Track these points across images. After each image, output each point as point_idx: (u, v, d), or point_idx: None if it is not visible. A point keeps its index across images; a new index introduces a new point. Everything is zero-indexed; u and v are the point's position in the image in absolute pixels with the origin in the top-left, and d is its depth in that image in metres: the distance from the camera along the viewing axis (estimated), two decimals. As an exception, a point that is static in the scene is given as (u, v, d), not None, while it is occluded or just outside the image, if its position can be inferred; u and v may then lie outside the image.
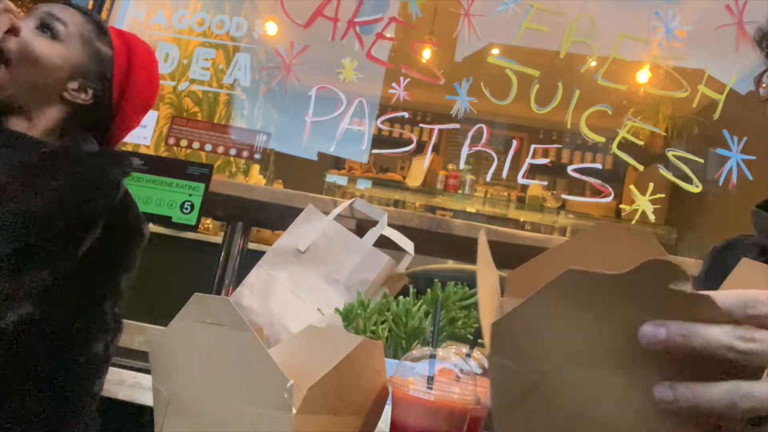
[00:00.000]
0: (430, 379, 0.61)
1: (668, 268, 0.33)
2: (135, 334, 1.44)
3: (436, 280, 0.95)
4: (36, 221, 0.84)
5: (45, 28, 0.99)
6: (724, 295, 0.35)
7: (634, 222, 1.74)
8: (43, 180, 0.88)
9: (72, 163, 0.93)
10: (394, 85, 1.97)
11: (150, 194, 1.50)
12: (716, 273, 0.93)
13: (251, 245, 1.88)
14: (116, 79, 1.07)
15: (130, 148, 1.99)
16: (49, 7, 1.01)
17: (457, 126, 1.93)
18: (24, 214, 0.83)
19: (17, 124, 0.99)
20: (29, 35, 0.97)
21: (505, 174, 1.80)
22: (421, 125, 2.68)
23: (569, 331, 0.37)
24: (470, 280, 1.03)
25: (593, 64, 1.89)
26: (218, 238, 2.43)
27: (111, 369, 1.03)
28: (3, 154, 0.94)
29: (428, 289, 0.94)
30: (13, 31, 0.94)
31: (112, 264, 0.99)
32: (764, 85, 0.79)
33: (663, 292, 0.34)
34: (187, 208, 1.42)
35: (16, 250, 0.81)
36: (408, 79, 1.96)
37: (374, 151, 2.02)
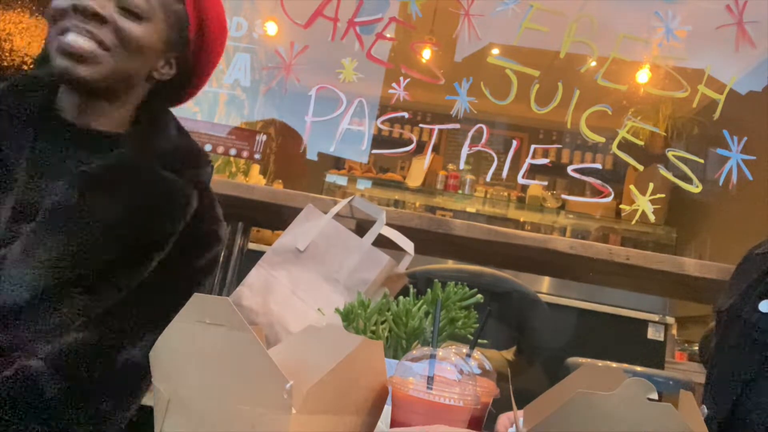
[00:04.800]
0: (430, 379, 0.60)
1: (644, 385, 0.51)
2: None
3: (436, 280, 0.94)
4: (92, 250, 0.79)
5: (125, 10, 0.84)
6: None
7: (634, 222, 1.74)
8: (103, 201, 0.82)
9: (138, 179, 0.85)
10: (394, 85, 1.97)
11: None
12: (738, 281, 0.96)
13: (251, 245, 1.88)
14: (192, 36, 0.95)
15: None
16: None
17: (457, 126, 1.93)
18: (81, 243, 0.79)
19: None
20: (120, 20, 0.83)
21: (505, 174, 1.79)
22: (421, 125, 2.68)
23: None
24: (470, 280, 1.03)
25: (593, 64, 1.89)
26: (218, 238, 2.42)
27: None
28: (71, 155, 0.85)
29: (428, 289, 0.94)
30: (99, 18, 0.81)
31: (179, 283, 0.90)
32: None
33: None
34: (187, 208, 1.41)
35: (70, 280, 0.78)
36: (408, 79, 1.95)
37: (374, 151, 2.02)
